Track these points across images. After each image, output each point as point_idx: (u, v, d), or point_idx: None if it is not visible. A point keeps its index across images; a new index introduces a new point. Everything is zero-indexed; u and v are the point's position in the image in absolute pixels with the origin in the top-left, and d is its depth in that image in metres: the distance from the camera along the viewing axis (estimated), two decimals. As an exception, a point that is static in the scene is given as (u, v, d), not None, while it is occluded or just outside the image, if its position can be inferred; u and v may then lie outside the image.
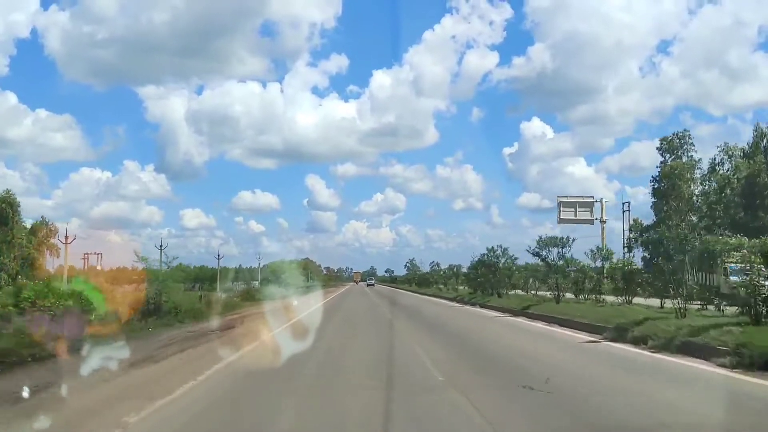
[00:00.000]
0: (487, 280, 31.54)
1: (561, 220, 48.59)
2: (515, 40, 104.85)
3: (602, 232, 48.33)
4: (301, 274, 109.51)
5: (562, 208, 48.46)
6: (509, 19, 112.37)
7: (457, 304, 33.42)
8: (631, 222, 56.78)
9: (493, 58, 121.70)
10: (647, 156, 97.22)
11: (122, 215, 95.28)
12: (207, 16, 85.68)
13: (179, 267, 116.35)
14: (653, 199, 59.74)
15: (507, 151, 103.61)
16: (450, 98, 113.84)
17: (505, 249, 30.39)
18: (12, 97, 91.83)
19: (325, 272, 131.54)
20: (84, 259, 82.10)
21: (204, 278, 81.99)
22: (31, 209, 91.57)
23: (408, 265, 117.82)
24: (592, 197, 49.30)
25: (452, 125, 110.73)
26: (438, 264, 78.87)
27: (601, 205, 48.79)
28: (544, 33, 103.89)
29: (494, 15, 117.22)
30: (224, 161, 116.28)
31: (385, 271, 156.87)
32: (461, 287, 47.89)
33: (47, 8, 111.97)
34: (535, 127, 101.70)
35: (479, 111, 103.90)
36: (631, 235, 50.02)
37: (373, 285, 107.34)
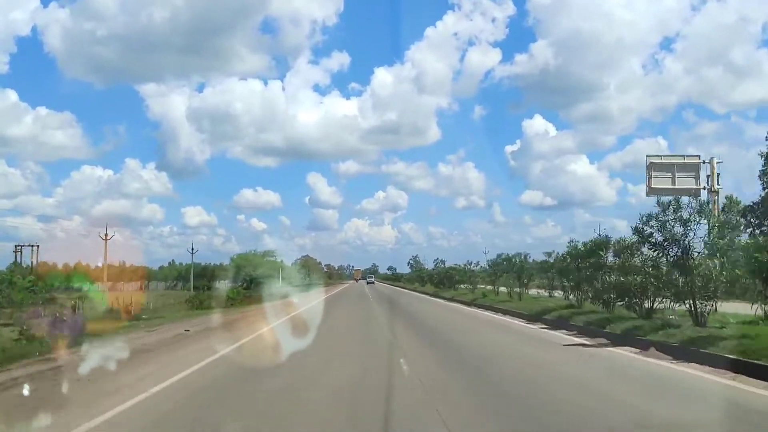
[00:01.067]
0: (667, 279, 12.98)
1: (652, 190, 32.71)
2: (517, 37, 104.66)
3: (716, 208, 32.43)
4: (299, 271, 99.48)
5: (653, 173, 32.58)
6: (511, 15, 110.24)
7: (584, 342, 14.06)
8: (724, 200, 42.37)
9: (496, 55, 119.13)
10: (650, 153, 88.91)
11: (124, 213, 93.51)
12: (207, 13, 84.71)
13: (172, 265, 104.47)
14: (763, 167, 44.75)
15: (509, 148, 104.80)
16: (452, 95, 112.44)
17: (705, 203, 13.60)
18: (12, 95, 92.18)
19: (325, 270, 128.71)
20: (16, 251, 67.85)
21: (196, 275, 75.41)
22: (32, 207, 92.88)
23: (411, 262, 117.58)
24: (698, 156, 33.41)
25: (454, 123, 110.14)
26: (443, 261, 67.85)
27: (711, 167, 32.89)
28: (546, 30, 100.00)
29: (496, 12, 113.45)
30: (226, 159, 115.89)
31: (388, 269, 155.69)
32: (532, 291, 30.06)
33: (47, 5, 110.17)
34: (537, 124, 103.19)
35: (481, 108, 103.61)
36: (723, 216, 34.61)
37: (373, 283, 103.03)
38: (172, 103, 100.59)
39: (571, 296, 21.81)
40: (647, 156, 33.44)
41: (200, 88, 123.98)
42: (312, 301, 34.33)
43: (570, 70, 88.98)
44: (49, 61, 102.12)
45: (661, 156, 33.63)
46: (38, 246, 47.05)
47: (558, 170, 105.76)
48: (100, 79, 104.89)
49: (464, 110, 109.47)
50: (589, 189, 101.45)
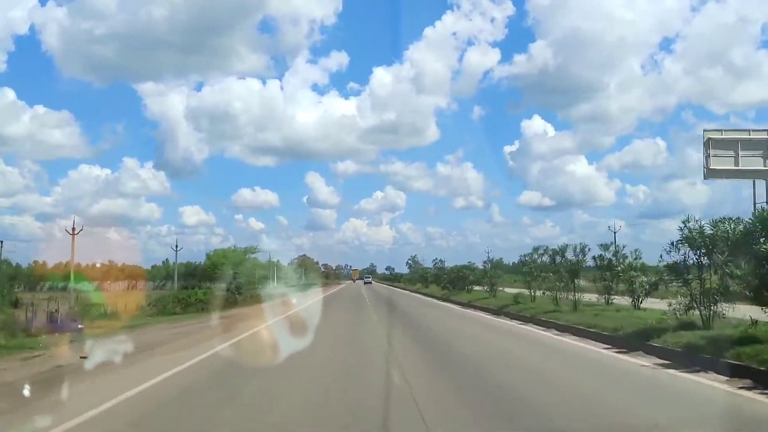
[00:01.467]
0: None
1: (710, 172, 26.99)
2: (517, 37, 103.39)
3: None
4: (295, 270, 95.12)
5: (711, 151, 26.78)
6: (511, 15, 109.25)
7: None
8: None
9: (495, 55, 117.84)
10: (649, 154, 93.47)
11: (122, 212, 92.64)
12: (206, 12, 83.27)
13: (165, 264, 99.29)
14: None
15: (508, 149, 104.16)
16: (451, 95, 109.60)
17: None
18: (10, 94, 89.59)
19: (322, 270, 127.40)
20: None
21: (186, 275, 70.51)
22: (30, 206, 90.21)
23: (410, 262, 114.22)
24: (767, 131, 27.63)
25: (453, 123, 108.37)
26: (442, 261, 62.57)
27: (785, 144, 27.10)
28: (545, 30, 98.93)
29: (495, 12, 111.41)
30: (224, 158, 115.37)
31: (386, 269, 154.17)
32: (601, 299, 20.14)
33: (45, 4, 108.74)
34: (536, 125, 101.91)
35: (480, 109, 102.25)
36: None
37: (371, 283, 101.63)
38: (170, 102, 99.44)
39: (660, 304, 15.41)
40: (704, 131, 27.66)
41: (198, 87, 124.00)
42: (297, 307, 28.89)
43: (569, 70, 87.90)
44: (46, 60, 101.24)
45: (721, 131, 27.77)
46: (2, 242, 42.10)
47: (557, 171, 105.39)
48: (98, 78, 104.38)
49: (463, 110, 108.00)
50: (587, 189, 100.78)
